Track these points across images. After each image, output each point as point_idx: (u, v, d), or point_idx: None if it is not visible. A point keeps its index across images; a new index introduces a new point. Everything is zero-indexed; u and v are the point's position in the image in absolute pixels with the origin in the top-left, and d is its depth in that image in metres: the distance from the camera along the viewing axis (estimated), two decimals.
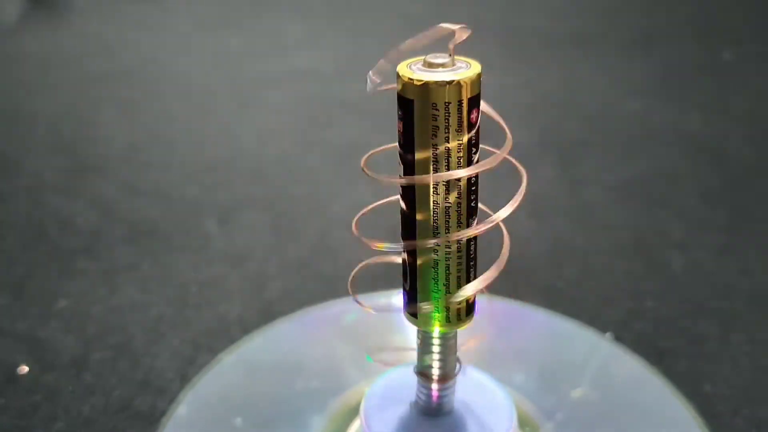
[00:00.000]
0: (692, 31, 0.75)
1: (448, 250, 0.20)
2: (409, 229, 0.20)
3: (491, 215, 0.20)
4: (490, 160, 0.19)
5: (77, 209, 0.44)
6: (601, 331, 0.33)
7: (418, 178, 0.19)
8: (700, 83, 0.63)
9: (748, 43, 0.72)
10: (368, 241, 0.21)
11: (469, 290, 0.21)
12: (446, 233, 0.20)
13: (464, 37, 0.18)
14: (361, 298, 0.35)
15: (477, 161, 0.20)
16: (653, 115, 0.57)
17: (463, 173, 0.19)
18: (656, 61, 0.67)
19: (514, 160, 0.20)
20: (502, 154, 0.20)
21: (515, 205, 0.20)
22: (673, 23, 0.78)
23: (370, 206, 0.23)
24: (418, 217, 0.20)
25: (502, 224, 0.21)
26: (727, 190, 0.46)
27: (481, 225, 0.20)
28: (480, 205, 0.21)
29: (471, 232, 0.20)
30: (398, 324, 0.32)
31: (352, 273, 0.23)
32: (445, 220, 0.20)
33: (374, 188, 0.44)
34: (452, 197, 0.19)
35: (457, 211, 0.20)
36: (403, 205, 0.20)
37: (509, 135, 0.20)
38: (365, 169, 0.20)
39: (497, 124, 0.20)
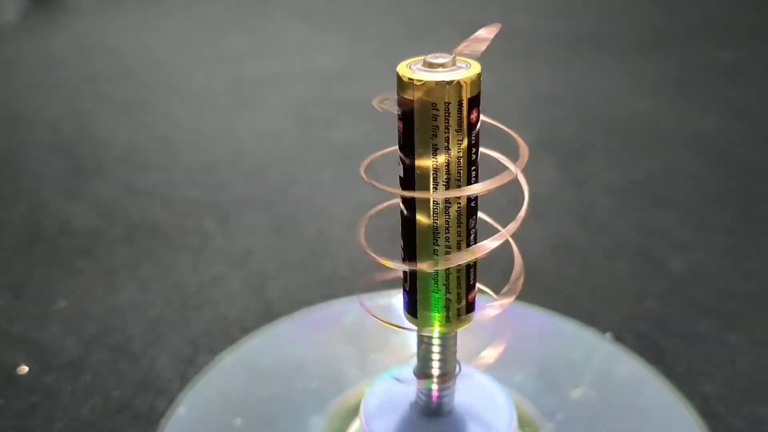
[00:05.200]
0: (698, 32, 0.75)
1: (448, 250, 0.20)
2: (408, 228, 0.20)
3: (498, 228, 0.20)
4: (501, 176, 0.19)
5: (77, 209, 0.44)
6: (601, 331, 0.33)
7: (418, 194, 0.19)
8: (703, 83, 0.63)
9: (754, 43, 0.72)
10: (375, 257, 0.21)
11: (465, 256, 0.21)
12: (446, 233, 0.20)
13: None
14: (360, 297, 0.35)
15: (477, 161, 0.20)
16: (656, 116, 0.57)
17: (468, 192, 0.19)
18: (661, 61, 0.67)
19: (522, 180, 0.20)
20: (516, 170, 0.20)
21: (518, 223, 0.20)
22: (679, 23, 0.78)
23: (373, 210, 0.22)
24: (418, 218, 0.20)
25: (510, 239, 0.21)
26: (728, 191, 0.46)
27: (491, 241, 0.20)
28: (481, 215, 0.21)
29: (468, 256, 0.20)
30: (398, 324, 0.32)
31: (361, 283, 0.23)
32: (445, 220, 0.20)
33: (374, 188, 0.44)
34: (452, 207, 0.19)
35: (457, 211, 0.20)
36: (403, 208, 0.20)
37: (524, 148, 0.20)
38: (365, 177, 0.20)
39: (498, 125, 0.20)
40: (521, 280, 0.21)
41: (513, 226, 0.20)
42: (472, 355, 0.26)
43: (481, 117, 0.19)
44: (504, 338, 0.22)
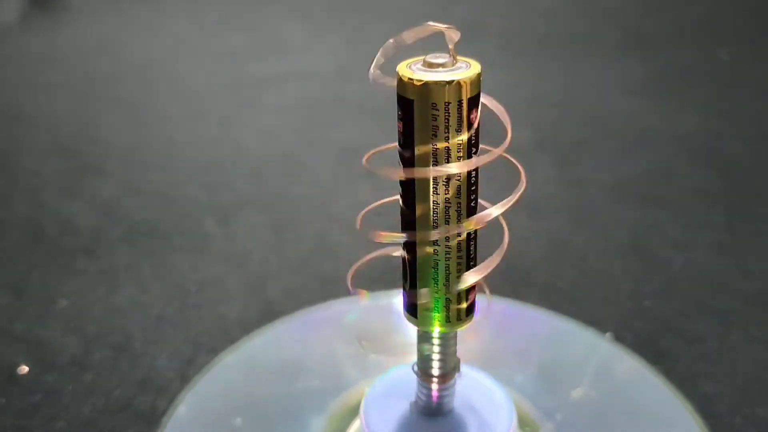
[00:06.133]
0: (689, 31, 0.75)
1: (447, 249, 0.20)
2: (408, 228, 0.20)
3: (490, 208, 0.20)
4: (488, 154, 0.19)
5: (77, 209, 0.44)
6: (601, 331, 0.33)
7: (417, 171, 0.19)
8: (699, 83, 0.63)
9: (745, 42, 0.72)
10: (373, 232, 0.21)
11: (470, 279, 0.21)
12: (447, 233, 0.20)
13: (455, 39, 0.18)
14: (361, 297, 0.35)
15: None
16: (652, 115, 0.57)
17: (458, 167, 0.19)
18: (654, 61, 0.67)
19: (512, 159, 0.20)
20: (501, 150, 0.20)
21: (514, 200, 0.20)
22: (671, 23, 0.78)
23: (372, 205, 0.23)
24: (418, 215, 0.20)
25: (501, 218, 0.21)
26: (724, 190, 0.46)
27: (481, 216, 0.20)
28: (481, 200, 0.21)
29: (471, 224, 0.20)
30: (398, 324, 0.32)
31: (353, 268, 0.23)
32: (445, 220, 0.20)
33: (374, 188, 0.44)
34: (452, 196, 0.20)
35: (457, 210, 0.20)
36: (402, 204, 0.20)
37: (509, 129, 0.20)
38: (367, 164, 0.20)
39: (497, 124, 0.20)
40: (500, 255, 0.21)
41: (507, 203, 0.20)
42: (472, 358, 0.26)
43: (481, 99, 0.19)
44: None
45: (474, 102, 0.19)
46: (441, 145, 0.19)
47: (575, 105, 0.59)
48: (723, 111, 0.57)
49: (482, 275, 0.21)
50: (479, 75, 0.19)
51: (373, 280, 0.36)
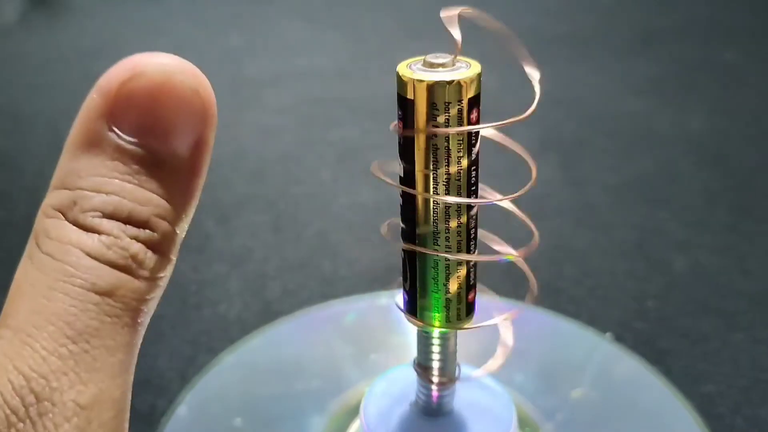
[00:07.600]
0: (693, 31, 0.75)
1: (448, 249, 0.20)
2: (409, 224, 0.20)
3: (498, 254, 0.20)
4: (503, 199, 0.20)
5: None
6: (601, 331, 0.33)
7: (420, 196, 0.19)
8: (702, 83, 0.63)
9: (749, 43, 0.72)
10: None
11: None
12: (446, 233, 0.20)
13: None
14: (360, 297, 0.35)
15: (477, 161, 0.20)
16: (654, 115, 0.57)
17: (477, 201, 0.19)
18: (658, 61, 0.67)
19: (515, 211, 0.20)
20: (527, 188, 0.20)
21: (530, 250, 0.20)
22: (674, 22, 0.78)
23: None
24: (418, 213, 0.20)
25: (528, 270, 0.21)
26: (728, 190, 0.46)
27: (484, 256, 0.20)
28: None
29: (474, 258, 0.20)
30: (398, 324, 0.32)
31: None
32: (445, 218, 0.20)
33: (375, 188, 0.44)
34: (452, 195, 0.19)
35: (457, 210, 0.20)
36: (402, 203, 0.20)
37: (534, 169, 0.20)
38: (375, 173, 0.20)
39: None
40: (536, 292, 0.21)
41: (526, 250, 0.20)
42: (472, 358, 0.26)
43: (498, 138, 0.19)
44: (507, 348, 0.22)
45: (474, 102, 0.19)
46: (441, 145, 0.19)
47: (580, 104, 0.59)
48: (728, 111, 0.57)
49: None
50: (479, 75, 0.19)
51: (373, 279, 0.36)
